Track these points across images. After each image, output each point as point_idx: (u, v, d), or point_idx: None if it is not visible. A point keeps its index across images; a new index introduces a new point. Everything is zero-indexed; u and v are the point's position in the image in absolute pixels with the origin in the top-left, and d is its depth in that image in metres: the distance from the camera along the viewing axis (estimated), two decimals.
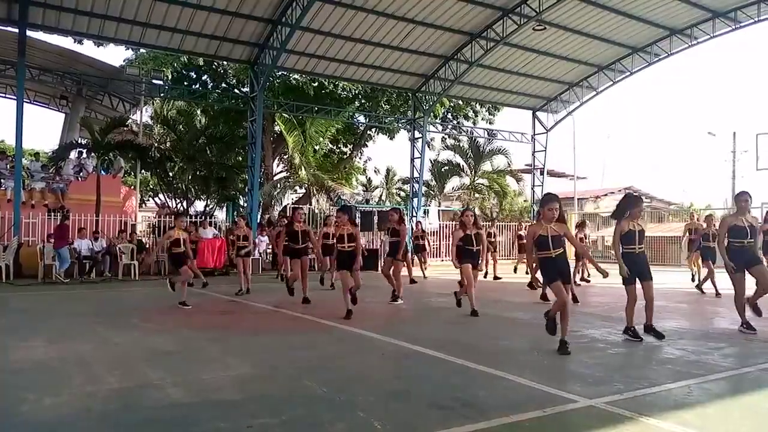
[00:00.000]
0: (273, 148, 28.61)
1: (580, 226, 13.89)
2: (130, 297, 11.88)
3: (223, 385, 4.87)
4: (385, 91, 26.69)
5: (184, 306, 9.52)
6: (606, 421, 3.99)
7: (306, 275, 10.38)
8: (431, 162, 30.68)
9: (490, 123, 31.18)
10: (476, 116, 31.34)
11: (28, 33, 16.37)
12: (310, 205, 23.54)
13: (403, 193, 33.06)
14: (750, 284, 7.26)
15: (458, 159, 30.81)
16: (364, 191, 32.66)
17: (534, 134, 26.81)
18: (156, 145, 23.84)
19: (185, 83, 26.67)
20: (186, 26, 17.85)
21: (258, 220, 21.00)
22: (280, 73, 24.03)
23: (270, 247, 18.53)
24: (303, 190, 26.98)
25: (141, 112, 22.71)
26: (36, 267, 14.37)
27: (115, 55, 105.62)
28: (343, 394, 4.59)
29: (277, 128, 26.15)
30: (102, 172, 19.09)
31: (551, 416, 4.06)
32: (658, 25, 20.93)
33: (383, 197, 34.37)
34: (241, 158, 26.93)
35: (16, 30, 16.00)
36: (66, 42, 21.55)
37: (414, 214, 22.50)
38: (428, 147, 27.49)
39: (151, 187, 29.77)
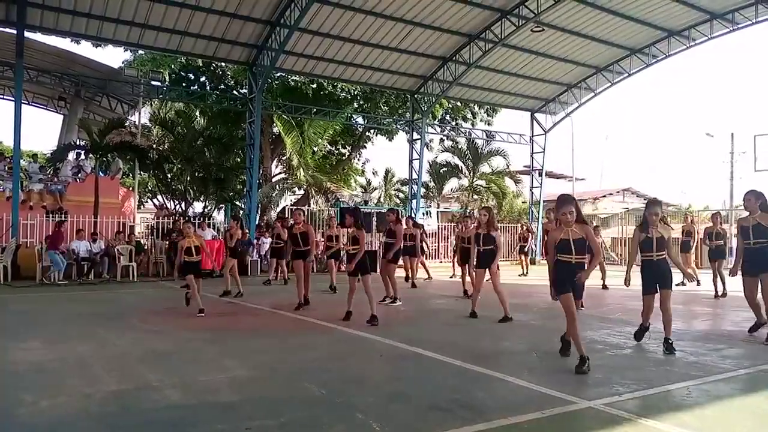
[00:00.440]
0: (271, 150, 28.60)
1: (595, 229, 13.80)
2: (129, 298, 11.86)
3: (221, 386, 4.86)
4: (384, 93, 26.71)
5: (201, 314, 8.88)
6: (605, 423, 3.99)
7: (302, 277, 9.98)
8: (430, 163, 30.68)
9: (488, 124, 31.21)
10: (475, 118, 31.35)
11: (26, 34, 16.31)
12: (309, 206, 23.53)
13: (401, 195, 33.03)
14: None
15: (457, 160, 30.80)
16: (362, 193, 32.65)
17: (532, 135, 26.83)
18: (154, 146, 23.80)
19: (183, 84, 26.65)
20: (184, 27, 17.85)
21: (257, 222, 20.99)
22: (278, 74, 24.03)
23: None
24: (302, 192, 26.97)
25: (139, 113, 22.67)
26: (34, 268, 14.34)
27: (113, 56, 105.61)
28: (342, 396, 4.58)
29: (275, 130, 26.14)
30: (100, 173, 19.06)
31: (550, 418, 4.06)
32: (656, 26, 20.97)
33: (382, 199, 34.34)
34: (239, 159, 26.89)
35: (14, 31, 15.96)
36: (64, 43, 21.56)
37: (413, 214, 22.49)
38: (427, 148, 27.51)
39: (150, 188, 29.71)
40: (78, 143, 20.28)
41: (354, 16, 18.62)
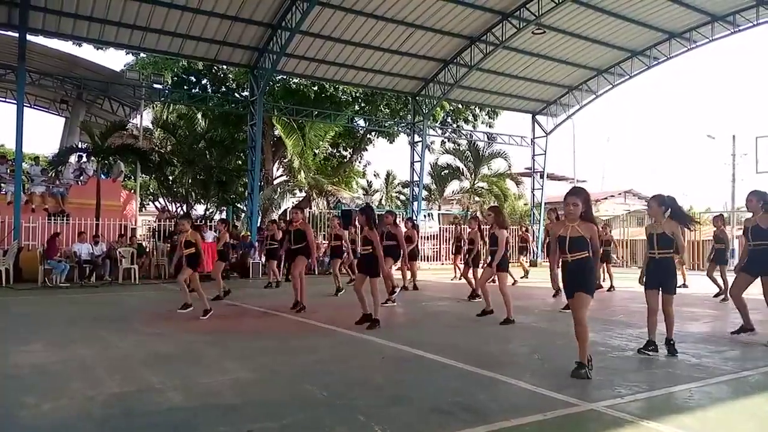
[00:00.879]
0: (273, 152, 28.65)
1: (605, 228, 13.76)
2: (131, 301, 11.87)
3: (223, 389, 4.86)
4: (385, 95, 26.75)
5: (206, 315, 8.68)
6: (607, 425, 3.99)
7: (296, 276, 9.70)
8: (431, 165, 30.72)
9: (489, 126, 31.25)
10: (476, 120, 31.40)
11: (29, 37, 16.39)
12: (310, 208, 23.55)
13: (402, 197, 33.08)
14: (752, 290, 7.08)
15: (458, 162, 30.84)
16: (364, 195, 32.68)
17: (534, 138, 26.85)
18: (156, 149, 23.83)
19: (185, 87, 26.74)
20: (186, 30, 17.90)
21: (258, 224, 21.01)
22: (279, 77, 24.08)
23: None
24: (303, 194, 27.02)
25: (141, 116, 22.72)
26: (36, 271, 14.35)
27: (115, 59, 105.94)
28: (343, 398, 4.58)
29: (277, 132, 26.20)
30: (102, 176, 19.09)
31: (552, 420, 4.06)
32: (657, 28, 20.99)
33: (383, 201, 34.36)
34: (241, 162, 26.96)
35: (17, 34, 16.03)
36: (66, 46, 21.62)
37: (413, 216, 22.48)
38: (428, 150, 27.53)
39: (152, 191, 29.78)
40: (80, 146, 20.31)
41: (355, 19, 18.66)
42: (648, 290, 6.20)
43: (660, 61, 22.66)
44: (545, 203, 26.20)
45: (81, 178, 19.31)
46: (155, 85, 21.80)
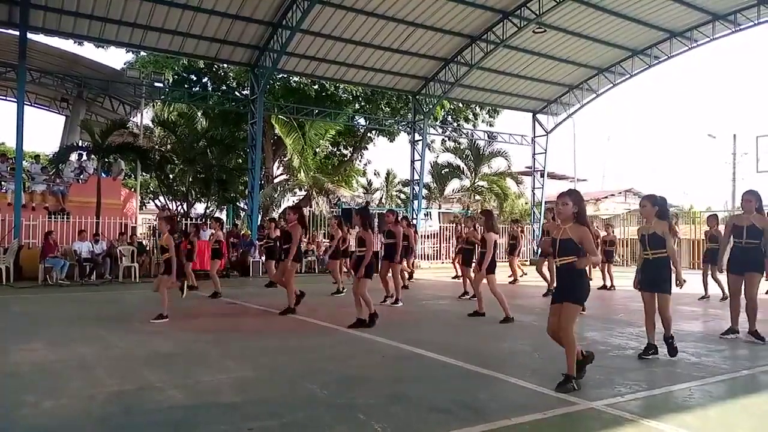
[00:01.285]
0: (273, 151, 28.65)
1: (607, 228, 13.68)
2: (131, 299, 11.87)
3: (223, 387, 4.87)
4: (385, 94, 26.73)
5: (159, 318, 8.23)
6: (607, 424, 3.99)
7: (280, 277, 9.51)
8: (431, 164, 30.70)
9: (490, 125, 31.24)
10: (476, 119, 31.38)
11: (29, 35, 16.39)
12: (310, 207, 23.55)
13: (403, 196, 33.05)
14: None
15: (458, 161, 30.84)
16: (364, 193, 32.67)
17: (534, 136, 26.84)
18: (156, 147, 23.84)
19: (186, 86, 26.71)
20: (187, 29, 17.89)
21: (258, 222, 21.00)
22: (280, 75, 24.06)
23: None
24: (303, 193, 27.02)
25: (141, 114, 22.71)
26: (36, 269, 14.35)
27: (115, 57, 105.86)
28: (343, 397, 4.59)
29: (277, 131, 26.21)
30: (102, 174, 19.07)
31: (552, 419, 4.06)
32: (658, 27, 20.97)
33: (383, 200, 34.35)
34: (241, 161, 26.95)
35: (17, 33, 16.02)
36: (66, 44, 21.61)
37: (412, 215, 22.48)
38: (428, 149, 27.53)
39: (152, 189, 29.77)
40: (80, 144, 20.31)
41: (356, 18, 18.65)
42: (644, 292, 6.13)
43: (661, 60, 22.64)
44: (545, 202, 26.19)
45: (81, 176, 19.31)
46: (156, 84, 21.82)
